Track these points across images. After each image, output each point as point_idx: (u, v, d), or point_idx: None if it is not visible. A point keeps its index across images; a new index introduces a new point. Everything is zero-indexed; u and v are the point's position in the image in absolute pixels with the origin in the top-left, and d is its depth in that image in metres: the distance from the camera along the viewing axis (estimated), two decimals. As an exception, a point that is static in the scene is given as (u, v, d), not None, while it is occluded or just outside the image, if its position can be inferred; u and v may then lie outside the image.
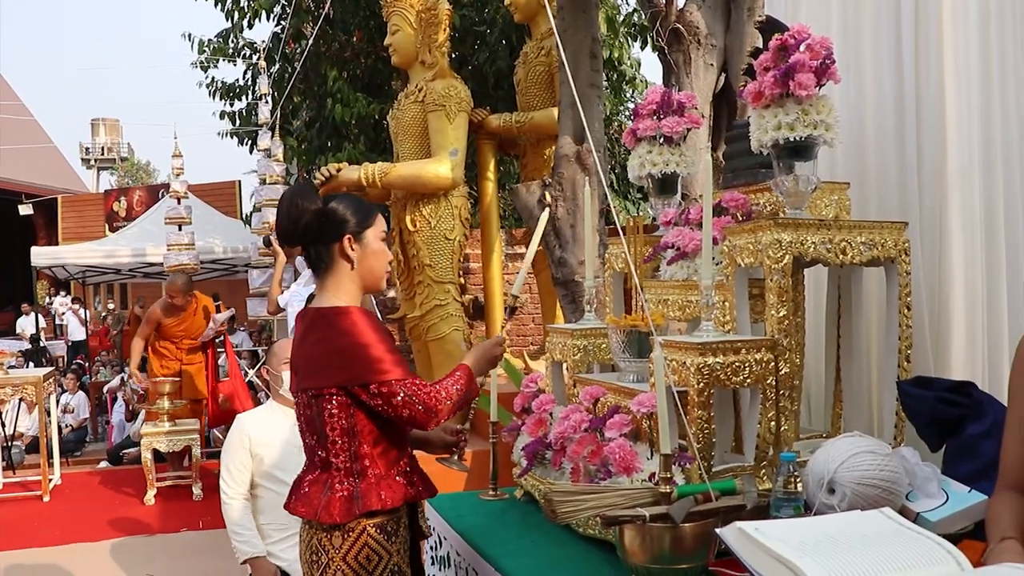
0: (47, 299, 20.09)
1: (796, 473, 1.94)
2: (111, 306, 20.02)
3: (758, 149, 2.34)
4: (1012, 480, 1.71)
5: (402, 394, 2.12)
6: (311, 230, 2.22)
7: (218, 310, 7.59)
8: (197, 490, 6.80)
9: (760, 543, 1.54)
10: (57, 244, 16.23)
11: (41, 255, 11.66)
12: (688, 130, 2.77)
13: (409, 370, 2.18)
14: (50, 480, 7.09)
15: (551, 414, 2.64)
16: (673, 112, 2.74)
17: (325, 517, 2.14)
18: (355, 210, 2.26)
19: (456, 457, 2.53)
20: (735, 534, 1.62)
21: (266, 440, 3.44)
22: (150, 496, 6.68)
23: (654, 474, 1.97)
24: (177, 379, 6.92)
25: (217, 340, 7.53)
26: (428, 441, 2.54)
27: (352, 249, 2.24)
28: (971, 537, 1.90)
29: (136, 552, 5.59)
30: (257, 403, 8.41)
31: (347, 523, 2.13)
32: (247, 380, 8.46)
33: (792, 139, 2.23)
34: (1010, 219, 2.51)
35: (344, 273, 2.25)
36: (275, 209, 7.56)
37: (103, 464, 8.93)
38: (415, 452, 2.43)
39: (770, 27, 2.86)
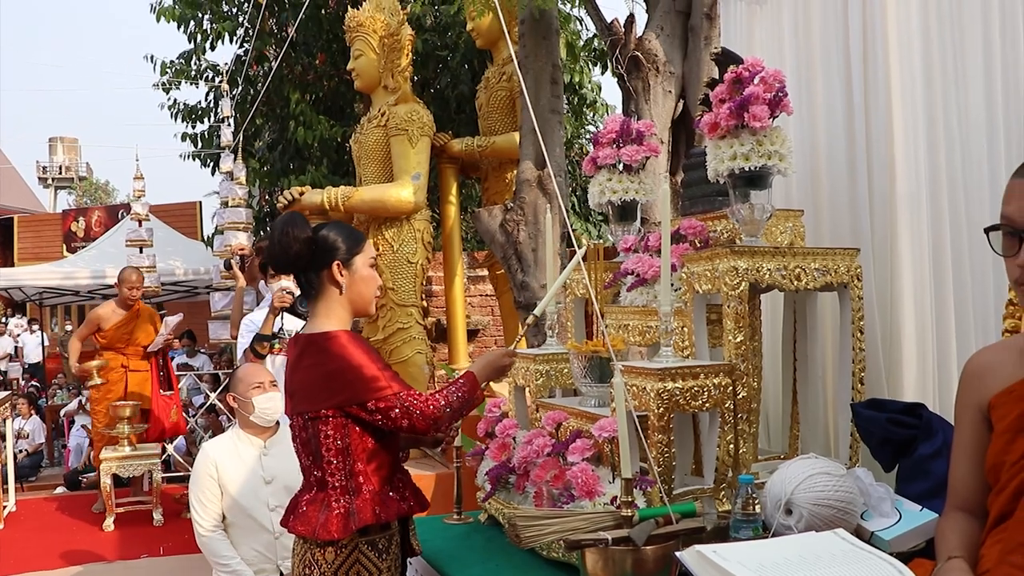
0: (3, 319, 19.69)
1: (754, 495, 1.98)
2: (68, 328, 19.64)
3: (714, 178, 2.40)
4: (959, 501, 1.77)
5: (399, 407, 2.17)
6: (302, 258, 2.26)
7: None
8: (158, 515, 6.69)
9: (719, 566, 1.58)
10: (13, 265, 15.93)
11: (-4, 277, 11.47)
12: (647, 158, 2.83)
13: (404, 384, 2.24)
14: (4, 507, 6.92)
15: (514, 438, 2.67)
16: (632, 141, 2.80)
17: (323, 534, 2.18)
18: (344, 237, 2.31)
19: (440, 450, 2.57)
20: (694, 557, 1.65)
21: (232, 474, 3.39)
22: (109, 522, 6.55)
23: (616, 497, 2.00)
24: (137, 403, 6.80)
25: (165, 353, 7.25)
26: (418, 440, 2.58)
27: (341, 275, 2.28)
28: (922, 555, 1.96)
29: (95, 581, 5.49)
30: (220, 428, 8.30)
31: (341, 539, 2.17)
32: (209, 403, 8.37)
33: (747, 169, 2.29)
34: (956, 243, 2.58)
35: (334, 298, 2.30)
36: (236, 232, 7.57)
37: (60, 489, 8.76)
38: (408, 451, 2.50)
39: (725, 59, 2.93)
